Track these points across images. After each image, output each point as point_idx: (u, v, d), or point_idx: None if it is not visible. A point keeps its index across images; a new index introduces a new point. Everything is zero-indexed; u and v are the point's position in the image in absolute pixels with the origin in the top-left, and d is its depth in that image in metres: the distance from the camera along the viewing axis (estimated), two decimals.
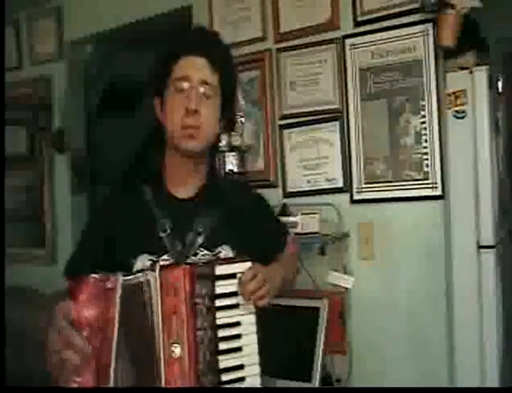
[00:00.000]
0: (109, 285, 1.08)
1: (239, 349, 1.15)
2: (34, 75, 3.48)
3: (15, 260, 3.46)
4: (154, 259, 1.24)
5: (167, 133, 1.29)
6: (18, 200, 3.60)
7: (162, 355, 1.09)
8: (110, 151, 3.65)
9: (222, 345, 1.14)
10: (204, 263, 1.20)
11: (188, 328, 1.10)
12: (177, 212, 1.29)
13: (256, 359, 1.17)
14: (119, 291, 1.08)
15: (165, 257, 1.25)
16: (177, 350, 1.09)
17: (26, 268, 3.44)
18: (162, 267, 1.13)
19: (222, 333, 1.14)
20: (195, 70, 1.25)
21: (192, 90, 1.23)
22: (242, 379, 1.15)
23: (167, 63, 1.26)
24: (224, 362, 1.14)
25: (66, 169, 3.39)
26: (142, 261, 1.24)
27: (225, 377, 1.13)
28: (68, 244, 3.36)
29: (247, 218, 1.37)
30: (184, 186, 1.33)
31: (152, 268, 1.14)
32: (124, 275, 1.12)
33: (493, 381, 2.02)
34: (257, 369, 1.17)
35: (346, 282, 2.35)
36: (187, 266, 1.13)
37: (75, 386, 1.04)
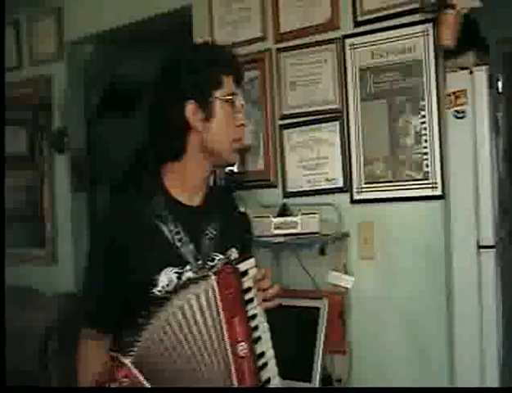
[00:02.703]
0: None
1: (259, 338, 1.24)
2: (34, 75, 3.48)
3: (15, 260, 3.46)
4: (179, 270, 1.24)
5: (203, 142, 1.28)
6: (18, 200, 3.60)
7: (232, 358, 1.17)
8: (109, 151, 3.65)
9: (254, 335, 1.23)
10: (226, 262, 1.29)
11: (246, 325, 1.21)
12: (190, 220, 1.29)
13: (270, 344, 1.26)
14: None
15: (188, 267, 1.25)
16: (242, 348, 1.18)
17: (26, 268, 3.44)
18: (216, 273, 1.20)
19: (252, 324, 1.24)
20: (237, 87, 1.33)
21: (243, 107, 1.33)
22: (266, 364, 1.25)
23: (218, 75, 1.29)
24: (257, 349, 1.23)
25: (66, 169, 3.39)
26: (167, 275, 1.23)
27: (258, 363, 1.23)
28: (68, 244, 3.37)
29: (237, 219, 1.47)
30: (193, 193, 1.33)
31: (204, 277, 1.19)
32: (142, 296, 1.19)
33: (493, 380, 2.02)
34: (273, 353, 1.26)
35: (346, 282, 2.35)
36: (232, 267, 1.23)
37: None
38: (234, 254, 1.34)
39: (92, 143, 3.54)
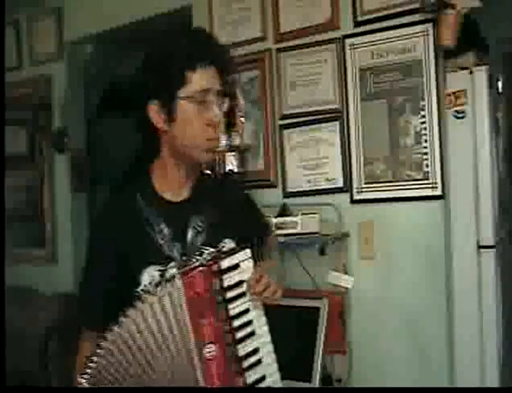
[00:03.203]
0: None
1: (252, 333, 1.20)
2: (34, 75, 3.48)
3: (15, 260, 3.46)
4: (162, 268, 1.22)
5: (172, 142, 1.25)
6: (18, 200, 3.60)
7: (198, 360, 1.13)
8: (109, 151, 3.65)
9: (239, 334, 1.18)
10: (208, 260, 1.21)
11: (216, 327, 1.15)
12: (173, 215, 1.28)
13: (269, 338, 1.22)
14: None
15: (172, 264, 1.23)
16: (211, 350, 1.14)
17: (26, 268, 3.44)
18: (181, 274, 1.16)
19: (236, 323, 1.18)
20: (213, 82, 1.22)
21: (213, 103, 1.22)
22: (259, 361, 1.20)
23: (181, 72, 1.20)
24: (242, 349, 1.18)
25: (66, 169, 3.39)
26: (150, 274, 1.22)
27: (245, 364, 1.18)
28: (68, 244, 3.37)
29: (240, 209, 1.40)
30: (178, 189, 1.31)
31: (168, 279, 1.16)
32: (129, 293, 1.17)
33: (493, 381, 2.02)
34: (271, 348, 1.22)
35: (346, 282, 2.35)
36: (203, 268, 1.17)
37: None
38: (228, 245, 1.29)
39: (92, 143, 3.54)
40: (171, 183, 1.30)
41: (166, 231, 1.26)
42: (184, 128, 1.22)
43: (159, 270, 1.22)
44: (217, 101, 1.23)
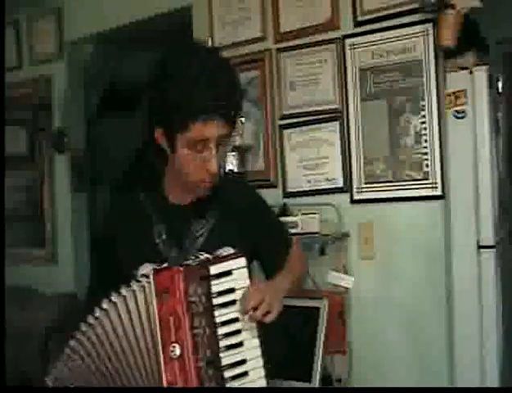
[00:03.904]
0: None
1: (240, 344, 1.16)
2: (34, 75, 3.48)
3: (15, 260, 3.46)
4: (157, 267, 1.23)
5: (175, 165, 1.26)
6: (18, 200, 3.60)
7: (162, 356, 1.11)
8: (109, 151, 3.65)
9: (224, 342, 1.14)
10: (198, 263, 1.19)
11: (186, 328, 1.11)
12: (174, 218, 1.29)
13: (258, 351, 1.17)
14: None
15: (166, 265, 1.24)
16: (176, 350, 1.11)
17: (26, 268, 3.44)
18: (156, 271, 1.16)
19: (222, 330, 1.15)
20: (215, 132, 1.19)
21: (212, 153, 1.20)
22: (245, 373, 1.15)
23: (183, 119, 1.16)
24: (227, 358, 1.14)
25: (66, 169, 3.39)
26: (144, 271, 1.23)
27: (228, 374, 1.14)
28: (68, 244, 3.37)
29: (249, 218, 1.35)
30: (183, 193, 1.32)
31: (147, 275, 1.16)
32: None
33: (493, 381, 2.02)
34: (260, 362, 1.17)
35: (346, 282, 2.35)
36: (179, 268, 1.15)
37: None
38: (228, 253, 1.26)
39: (92, 143, 3.54)
40: (175, 187, 1.32)
41: (165, 232, 1.28)
42: (181, 164, 1.23)
43: (154, 269, 1.22)
44: (218, 145, 1.21)
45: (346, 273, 2.37)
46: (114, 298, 1.16)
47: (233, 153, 2.49)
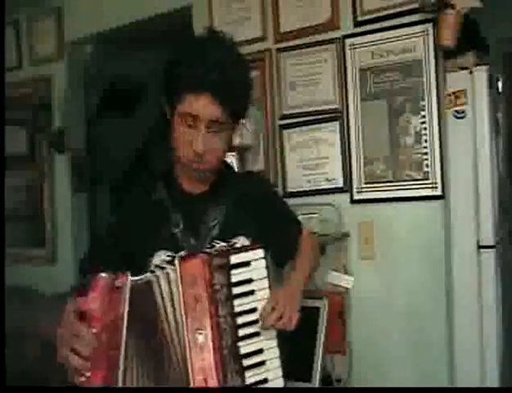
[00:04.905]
0: (118, 284, 1.09)
1: (257, 334, 1.19)
2: (34, 75, 3.48)
3: (15, 260, 3.46)
4: (172, 254, 1.24)
5: (171, 140, 1.27)
6: (18, 200, 3.60)
7: (188, 344, 1.11)
8: (109, 151, 3.65)
9: (242, 332, 1.17)
10: (218, 253, 1.21)
11: (211, 316, 1.13)
12: (190, 206, 1.30)
13: (274, 342, 1.20)
14: (127, 292, 1.10)
15: (182, 253, 1.25)
16: (201, 337, 1.12)
17: (26, 268, 3.44)
18: (181, 258, 1.16)
19: (240, 320, 1.17)
20: (204, 110, 1.19)
21: (200, 132, 1.20)
22: (263, 363, 1.18)
23: (179, 89, 1.20)
24: (244, 347, 1.17)
25: (66, 169, 3.38)
26: (160, 257, 1.25)
27: (246, 362, 1.16)
28: (68, 244, 3.37)
29: (261, 207, 1.37)
30: (197, 181, 1.33)
31: (171, 262, 1.16)
32: (140, 274, 1.14)
33: (493, 381, 2.02)
34: (276, 352, 1.20)
35: (346, 282, 2.35)
36: (205, 256, 1.16)
37: (83, 379, 1.04)
38: (242, 242, 1.29)
39: (92, 143, 3.54)
40: (189, 179, 1.33)
41: (181, 221, 1.29)
42: (173, 138, 1.25)
43: (169, 256, 1.24)
44: (209, 130, 1.21)
45: (346, 273, 2.37)
46: (145, 276, 1.14)
47: (233, 153, 2.49)
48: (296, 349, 2.23)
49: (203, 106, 1.19)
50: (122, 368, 1.08)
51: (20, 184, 3.60)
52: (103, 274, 1.08)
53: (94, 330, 1.04)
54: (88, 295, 1.06)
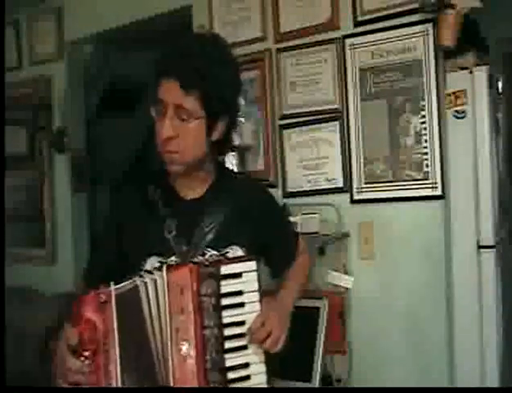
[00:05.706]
0: (102, 299, 1.09)
1: (244, 347, 1.16)
2: (34, 75, 3.48)
3: (15, 260, 3.46)
4: (163, 260, 1.23)
5: None
6: (18, 200, 3.60)
7: (170, 354, 1.09)
8: (109, 151, 3.65)
9: (228, 344, 1.14)
10: (209, 262, 1.19)
11: (196, 326, 1.11)
12: (183, 212, 1.28)
13: (262, 357, 1.17)
14: (113, 304, 1.09)
15: (173, 258, 1.24)
16: (184, 348, 1.10)
17: (26, 268, 3.44)
18: (169, 266, 1.15)
19: (227, 332, 1.14)
20: (169, 95, 1.19)
21: (165, 117, 1.20)
22: (248, 377, 1.15)
23: (155, 78, 1.23)
24: (230, 360, 1.14)
25: (66, 169, 3.39)
26: (151, 263, 1.24)
27: (231, 375, 1.14)
28: (68, 244, 3.37)
29: (258, 218, 1.35)
30: (191, 188, 1.32)
31: (159, 268, 1.15)
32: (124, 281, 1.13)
33: (493, 381, 2.02)
34: (263, 367, 1.17)
35: (346, 282, 2.35)
36: (193, 265, 1.14)
37: None
38: (235, 252, 1.27)
39: (92, 143, 3.55)
40: (182, 183, 1.32)
41: (173, 226, 1.27)
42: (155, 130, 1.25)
43: (160, 262, 1.23)
44: (177, 116, 1.20)
45: (346, 273, 2.37)
46: (133, 281, 1.13)
47: (233, 153, 2.49)
48: (296, 349, 2.23)
49: (168, 89, 1.19)
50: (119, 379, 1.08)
51: (20, 184, 3.60)
52: (85, 297, 1.09)
53: (87, 355, 1.07)
54: (77, 321, 1.08)
